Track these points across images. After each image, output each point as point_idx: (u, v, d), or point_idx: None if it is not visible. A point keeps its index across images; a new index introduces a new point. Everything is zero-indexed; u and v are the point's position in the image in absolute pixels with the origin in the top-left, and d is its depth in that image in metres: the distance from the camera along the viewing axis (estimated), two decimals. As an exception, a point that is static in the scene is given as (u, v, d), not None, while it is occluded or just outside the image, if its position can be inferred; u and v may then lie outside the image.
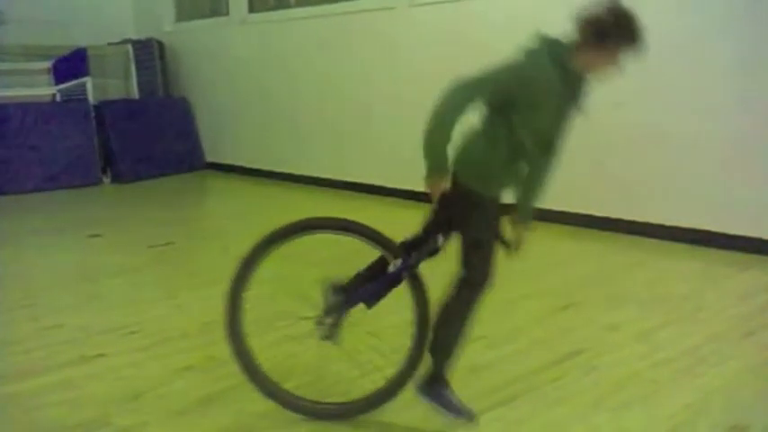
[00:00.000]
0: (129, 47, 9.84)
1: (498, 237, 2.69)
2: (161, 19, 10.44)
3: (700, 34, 5.25)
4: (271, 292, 3.41)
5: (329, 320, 2.75)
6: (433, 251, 2.73)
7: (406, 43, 7.29)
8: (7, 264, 5.47)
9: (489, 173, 2.61)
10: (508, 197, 2.74)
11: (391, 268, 2.75)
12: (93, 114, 9.01)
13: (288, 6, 8.77)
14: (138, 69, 9.84)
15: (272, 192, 8.49)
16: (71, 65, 9.28)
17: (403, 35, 7.31)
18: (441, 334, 2.72)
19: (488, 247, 2.64)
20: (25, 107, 8.66)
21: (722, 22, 5.16)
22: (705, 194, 5.35)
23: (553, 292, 4.37)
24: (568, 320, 3.96)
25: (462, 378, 2.92)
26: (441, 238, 2.72)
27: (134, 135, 9.29)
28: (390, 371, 2.86)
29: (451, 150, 2.60)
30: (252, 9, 9.22)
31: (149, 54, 9.99)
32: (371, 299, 2.79)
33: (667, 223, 5.55)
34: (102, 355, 3.59)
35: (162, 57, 10.15)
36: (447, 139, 2.49)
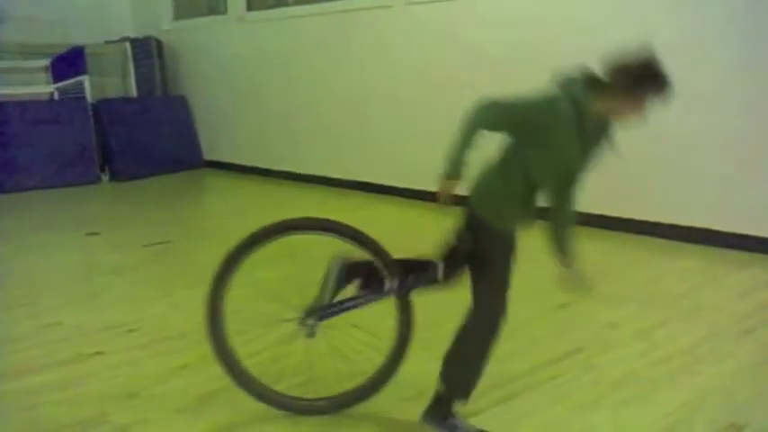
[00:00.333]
0: (128, 45, 9.82)
1: (511, 269, 2.63)
2: (159, 17, 10.43)
3: (699, 34, 5.25)
4: (246, 294, 3.41)
5: (311, 321, 2.74)
6: (432, 280, 2.71)
7: (402, 41, 7.28)
8: (6, 262, 5.46)
9: (503, 206, 2.58)
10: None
11: (386, 287, 2.75)
12: (91, 113, 9.00)
13: (286, 4, 8.76)
14: (136, 68, 9.83)
15: (269, 190, 8.49)
16: (69, 63, 9.27)
17: (400, 33, 7.30)
18: (452, 369, 2.68)
19: (500, 280, 2.60)
20: (23, 105, 8.65)
21: (722, 22, 5.16)
22: (704, 193, 5.36)
23: (550, 291, 4.35)
24: (567, 319, 3.96)
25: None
26: (440, 269, 2.70)
27: (132, 133, 9.28)
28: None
29: (469, 182, 2.60)
30: (250, 7, 9.21)
31: (147, 52, 9.97)
32: (358, 306, 2.80)
33: (666, 221, 5.56)
34: (99, 353, 3.58)
35: (160, 55, 10.13)
36: (467, 144, 2.47)
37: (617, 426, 2.82)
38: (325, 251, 2.74)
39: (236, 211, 7.38)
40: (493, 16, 6.44)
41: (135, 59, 9.83)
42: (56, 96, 9.14)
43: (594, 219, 5.67)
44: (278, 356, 3.08)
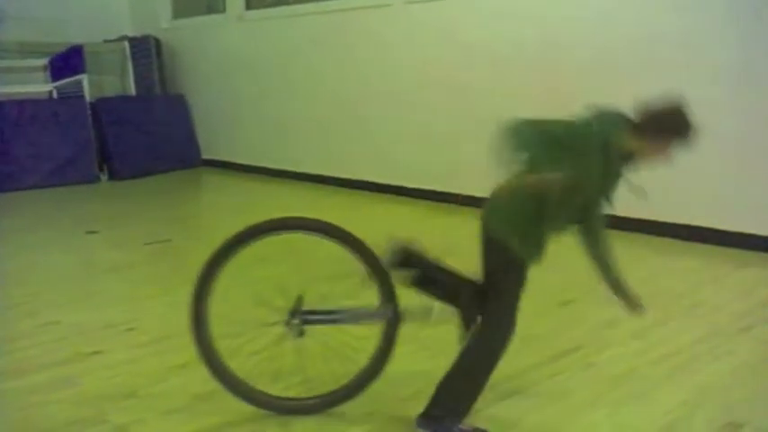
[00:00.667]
0: (126, 44, 9.81)
1: (522, 288, 2.62)
2: (158, 16, 10.42)
3: (699, 33, 5.25)
4: (231, 297, 3.45)
5: (296, 321, 2.75)
6: (425, 315, 2.74)
7: (401, 40, 7.28)
8: (4, 260, 5.46)
9: (517, 229, 2.55)
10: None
11: (377, 309, 2.76)
12: (89, 112, 8.99)
13: (285, 3, 8.74)
14: (134, 66, 9.82)
15: (268, 188, 8.48)
16: (68, 62, 9.26)
17: (399, 32, 7.30)
18: (450, 383, 2.66)
19: (510, 298, 2.60)
20: (22, 104, 8.64)
21: (722, 21, 5.15)
22: (703, 192, 5.36)
23: (551, 288, 4.36)
24: (566, 317, 3.96)
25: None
26: (436, 310, 2.74)
27: (131, 132, 9.27)
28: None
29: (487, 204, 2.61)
30: (249, 6, 9.20)
31: (146, 51, 9.96)
32: (344, 321, 2.84)
33: (665, 220, 5.55)
34: (98, 352, 3.58)
35: (159, 54, 10.12)
36: (515, 150, 2.44)
37: (616, 424, 2.82)
38: (308, 251, 2.73)
39: (234, 209, 7.38)
40: (492, 14, 6.43)
41: (134, 58, 9.81)
42: (54, 95, 9.13)
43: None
44: (271, 358, 3.07)
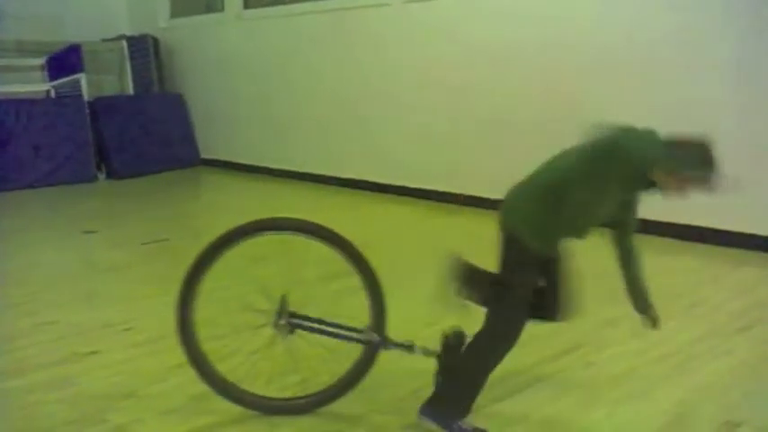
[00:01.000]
0: (124, 43, 9.79)
1: (531, 288, 2.63)
2: (156, 15, 10.40)
3: (697, 30, 5.24)
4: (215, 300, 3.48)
5: (283, 321, 2.76)
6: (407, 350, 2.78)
7: (401, 40, 7.27)
8: (2, 260, 5.45)
9: (537, 229, 2.56)
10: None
11: (364, 332, 2.78)
12: (87, 111, 8.98)
13: (283, 2, 8.74)
14: (132, 66, 9.80)
15: (266, 188, 8.48)
16: (65, 61, 9.24)
17: (398, 32, 7.30)
18: (455, 374, 2.69)
19: (521, 294, 2.59)
20: (19, 103, 8.63)
21: (721, 20, 5.14)
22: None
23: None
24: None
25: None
26: (417, 349, 2.77)
27: (129, 131, 9.26)
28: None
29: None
30: (247, 5, 9.19)
31: (144, 50, 9.94)
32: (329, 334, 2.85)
33: (663, 220, 5.55)
34: (96, 352, 3.58)
35: (157, 53, 10.11)
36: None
37: (614, 423, 2.82)
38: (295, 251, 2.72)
39: (232, 209, 7.37)
40: (492, 14, 6.43)
41: (132, 57, 9.80)
42: (52, 94, 9.11)
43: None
44: (263, 359, 3.07)
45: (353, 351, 2.85)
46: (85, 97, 9.09)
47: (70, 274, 5.05)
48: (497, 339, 2.61)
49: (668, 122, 5.54)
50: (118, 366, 3.42)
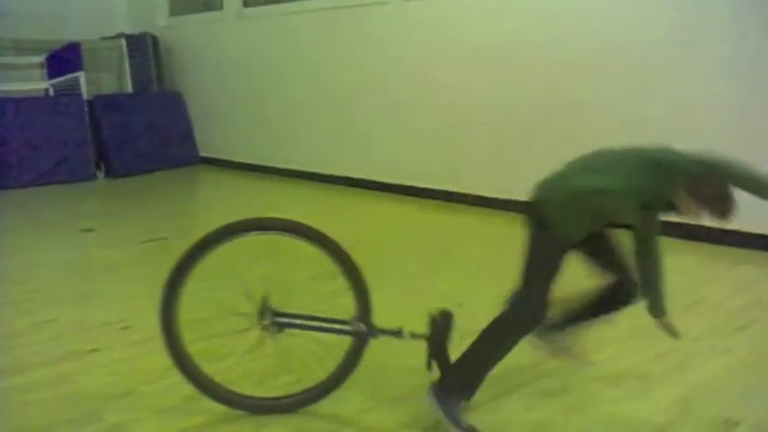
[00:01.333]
0: (123, 41, 9.78)
1: (553, 283, 2.66)
2: (155, 13, 10.39)
3: (698, 30, 5.24)
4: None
5: (267, 321, 2.77)
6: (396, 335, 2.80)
7: (399, 38, 7.27)
8: (1, 258, 5.45)
9: (572, 216, 2.61)
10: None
11: (350, 323, 2.78)
12: (86, 109, 8.98)
13: (282, 1, 8.73)
14: (131, 64, 9.78)
15: (265, 186, 8.48)
16: (64, 59, 9.23)
17: (396, 30, 7.29)
18: (465, 358, 2.72)
19: (540, 287, 2.63)
20: (18, 102, 8.62)
21: (721, 18, 5.14)
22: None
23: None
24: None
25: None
26: (405, 334, 2.79)
27: (128, 130, 9.25)
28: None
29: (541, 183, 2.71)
30: (246, 3, 9.18)
31: (143, 48, 9.93)
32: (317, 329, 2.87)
33: (662, 219, 5.55)
34: (95, 351, 3.58)
35: (156, 51, 10.10)
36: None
37: (613, 422, 2.83)
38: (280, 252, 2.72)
39: (231, 207, 7.37)
40: (490, 13, 6.43)
41: (131, 56, 9.78)
42: (51, 93, 9.10)
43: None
44: (253, 360, 3.08)
45: (343, 344, 2.85)
46: (84, 96, 9.08)
47: (69, 273, 5.05)
48: (513, 325, 2.68)
49: (668, 122, 5.58)
50: (115, 365, 3.42)
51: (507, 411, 2.89)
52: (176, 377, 3.01)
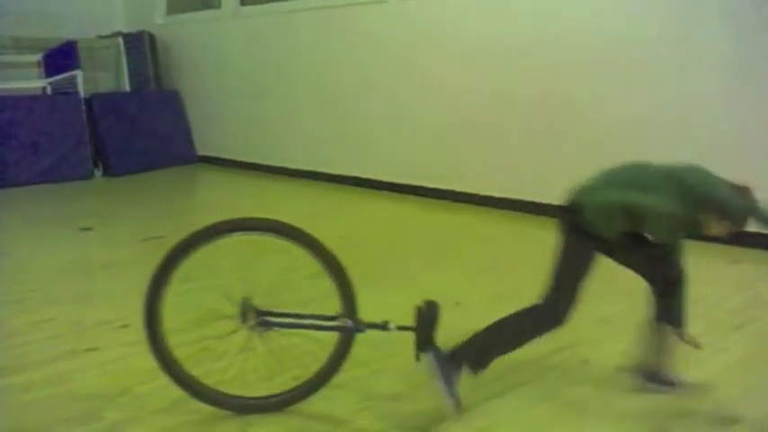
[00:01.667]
0: (121, 40, 9.78)
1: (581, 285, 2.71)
2: (152, 12, 10.39)
3: (695, 28, 5.24)
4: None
5: (251, 322, 2.78)
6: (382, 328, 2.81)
7: (398, 38, 7.28)
8: (-2, 257, 5.45)
9: (613, 220, 2.67)
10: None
11: (337, 319, 2.79)
12: (83, 107, 8.97)
13: (279, -1, 8.73)
14: (129, 62, 9.78)
15: (263, 185, 8.48)
16: (62, 58, 9.23)
17: (394, 29, 7.29)
18: (482, 336, 2.78)
19: (568, 288, 2.69)
20: (15, 100, 8.61)
21: (719, 17, 5.14)
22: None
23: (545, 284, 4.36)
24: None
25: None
26: (392, 326, 2.79)
27: (125, 128, 9.25)
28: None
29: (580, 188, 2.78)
30: (244, 2, 9.18)
31: (140, 47, 9.93)
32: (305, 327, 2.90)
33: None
34: (93, 349, 3.57)
35: (153, 50, 10.09)
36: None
37: (610, 420, 2.83)
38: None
39: (229, 206, 7.37)
40: (488, 12, 6.44)
41: (128, 54, 9.78)
42: (48, 91, 9.10)
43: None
44: (246, 359, 3.08)
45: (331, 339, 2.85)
46: (82, 94, 9.07)
47: (67, 272, 5.04)
48: (535, 320, 2.77)
49: (667, 121, 5.58)
50: (113, 364, 3.42)
51: (503, 410, 2.89)
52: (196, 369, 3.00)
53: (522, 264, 4.93)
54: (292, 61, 8.45)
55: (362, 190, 7.70)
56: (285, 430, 2.79)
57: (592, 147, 5.77)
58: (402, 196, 7.24)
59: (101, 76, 9.56)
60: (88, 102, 9.05)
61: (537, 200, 6.17)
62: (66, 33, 9.39)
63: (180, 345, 2.93)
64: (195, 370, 2.90)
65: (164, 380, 3.18)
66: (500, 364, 2.89)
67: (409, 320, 2.79)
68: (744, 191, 2.67)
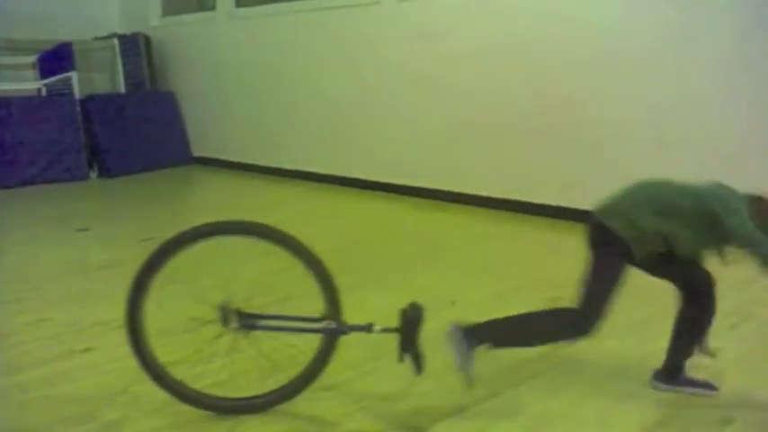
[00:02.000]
0: (116, 41, 9.77)
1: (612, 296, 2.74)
2: (148, 13, 10.38)
3: (695, 28, 5.24)
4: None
5: (234, 325, 2.78)
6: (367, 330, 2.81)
7: (393, 39, 7.28)
8: (-6, 258, 5.44)
9: (645, 233, 2.70)
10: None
11: (321, 321, 2.78)
12: (79, 109, 8.96)
13: (275, 1, 8.72)
14: (124, 64, 9.77)
15: (258, 186, 8.47)
16: (57, 59, 9.21)
17: (390, 31, 7.30)
18: (513, 321, 2.83)
19: (599, 304, 2.71)
20: (10, 102, 8.59)
21: (719, 16, 5.13)
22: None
23: (542, 284, 4.37)
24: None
25: (446, 373, 2.92)
26: (377, 328, 2.81)
27: (120, 130, 9.23)
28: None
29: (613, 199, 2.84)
30: (239, 3, 9.18)
31: (136, 48, 9.92)
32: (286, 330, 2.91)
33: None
34: (89, 350, 3.58)
35: (148, 51, 10.08)
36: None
37: (606, 420, 2.84)
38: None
39: (224, 207, 7.37)
40: (484, 14, 6.44)
41: (123, 56, 9.77)
42: (44, 93, 9.09)
43: (584, 215, 5.66)
44: (231, 363, 3.10)
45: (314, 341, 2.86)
46: (77, 95, 9.05)
47: (63, 272, 5.04)
48: (563, 327, 2.80)
49: (667, 122, 5.59)
50: (110, 364, 3.42)
51: (501, 409, 2.91)
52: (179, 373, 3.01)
53: (518, 264, 4.96)
54: (287, 62, 8.45)
55: (358, 190, 7.70)
56: (282, 430, 2.80)
57: (590, 147, 5.79)
58: (398, 197, 7.24)
59: (96, 78, 9.55)
60: (83, 103, 9.04)
61: (533, 200, 6.18)
62: (61, 35, 9.37)
63: (168, 348, 2.97)
64: (188, 373, 2.90)
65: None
66: (498, 363, 2.90)
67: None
68: (762, 202, 2.72)
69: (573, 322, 2.75)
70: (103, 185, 8.78)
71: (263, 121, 8.98)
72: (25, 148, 8.52)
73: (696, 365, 3.12)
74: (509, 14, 6.28)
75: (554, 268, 4.80)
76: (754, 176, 5.06)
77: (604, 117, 5.73)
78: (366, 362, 3.24)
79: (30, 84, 9.17)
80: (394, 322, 2.80)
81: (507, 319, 2.83)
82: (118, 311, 4.05)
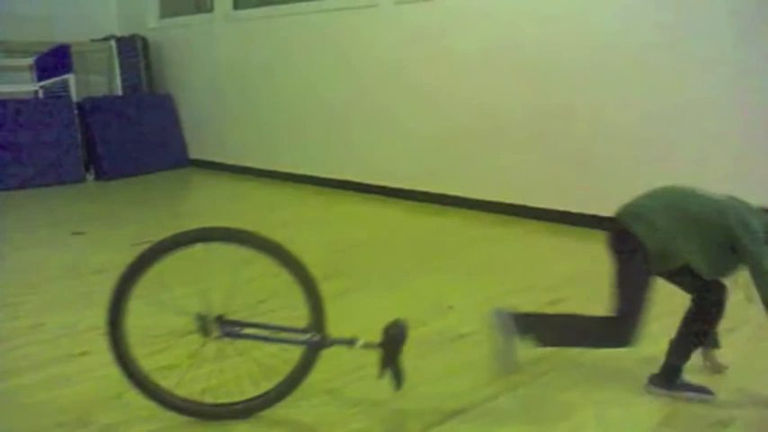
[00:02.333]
0: (113, 43, 9.76)
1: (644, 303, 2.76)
2: (145, 15, 10.37)
3: (694, 28, 5.24)
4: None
5: (217, 333, 2.78)
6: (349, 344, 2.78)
7: (389, 42, 7.28)
8: (-11, 262, 5.43)
9: (670, 243, 2.72)
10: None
11: (304, 333, 2.76)
12: (75, 111, 8.95)
13: (272, 3, 8.72)
14: (121, 66, 9.76)
15: (255, 189, 8.46)
16: (54, 61, 9.20)
17: (387, 34, 7.30)
18: (555, 319, 2.93)
19: (635, 315, 2.73)
20: (7, 104, 8.58)
21: (719, 18, 5.13)
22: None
23: (538, 288, 4.37)
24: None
25: (444, 377, 2.92)
26: (360, 342, 2.78)
27: (117, 132, 9.22)
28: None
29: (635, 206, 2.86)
30: (236, 6, 9.18)
31: (133, 51, 9.91)
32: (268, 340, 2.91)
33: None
34: (85, 354, 3.57)
35: (146, 53, 10.07)
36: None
37: (604, 423, 2.83)
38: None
39: (221, 210, 7.37)
40: (482, 16, 6.44)
41: (120, 58, 9.76)
42: (40, 95, 9.07)
43: (588, 219, 5.67)
44: (222, 370, 3.09)
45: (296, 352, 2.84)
46: (74, 98, 9.05)
47: (59, 276, 5.02)
48: (601, 336, 2.84)
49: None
50: (105, 368, 3.38)
51: (498, 412, 2.90)
52: (166, 381, 3.00)
53: (514, 267, 4.96)
54: (284, 65, 8.45)
55: (353, 194, 7.70)
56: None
57: (586, 151, 5.79)
58: (394, 200, 7.24)
59: (93, 80, 9.55)
60: (80, 105, 9.03)
61: (529, 204, 6.18)
62: (58, 37, 9.35)
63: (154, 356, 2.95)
64: (173, 380, 2.90)
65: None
66: (493, 368, 2.88)
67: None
68: None
69: (614, 332, 2.76)
70: (100, 188, 8.76)
71: (259, 124, 8.98)
72: (21, 150, 8.51)
73: (696, 364, 3.12)
74: (506, 19, 6.28)
75: (551, 271, 4.81)
76: (755, 181, 5.09)
77: (601, 121, 5.73)
78: (361, 366, 3.23)
79: (26, 86, 9.16)
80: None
81: (556, 317, 2.90)
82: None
